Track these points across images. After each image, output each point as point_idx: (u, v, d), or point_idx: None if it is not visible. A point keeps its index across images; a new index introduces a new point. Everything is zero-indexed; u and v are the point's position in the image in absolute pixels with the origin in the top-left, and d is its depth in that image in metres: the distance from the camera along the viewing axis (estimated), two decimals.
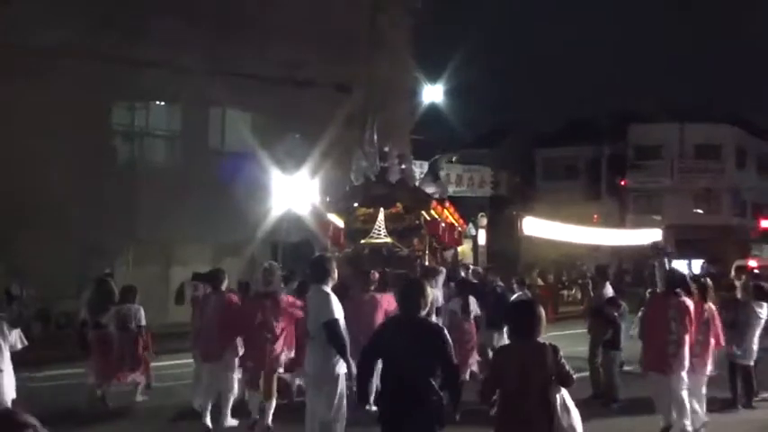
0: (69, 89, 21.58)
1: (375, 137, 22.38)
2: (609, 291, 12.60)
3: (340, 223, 16.57)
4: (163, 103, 25.89)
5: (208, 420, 9.84)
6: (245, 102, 25.17)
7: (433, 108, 28.28)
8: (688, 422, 9.39)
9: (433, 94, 28.09)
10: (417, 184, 17.09)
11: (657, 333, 9.56)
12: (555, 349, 5.47)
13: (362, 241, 15.75)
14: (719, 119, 45.72)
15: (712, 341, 10.18)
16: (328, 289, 7.20)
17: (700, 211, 46.16)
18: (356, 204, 16.26)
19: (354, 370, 6.67)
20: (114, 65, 22.24)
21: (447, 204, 17.09)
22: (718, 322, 10.48)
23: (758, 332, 11.63)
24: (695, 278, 11.31)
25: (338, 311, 7.10)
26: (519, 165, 44.08)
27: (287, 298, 9.82)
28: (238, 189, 23.44)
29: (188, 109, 25.50)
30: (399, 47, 29.59)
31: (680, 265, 40.31)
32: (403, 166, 16.70)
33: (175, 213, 22.35)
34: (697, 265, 41.54)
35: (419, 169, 19.95)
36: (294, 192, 23.46)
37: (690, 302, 9.56)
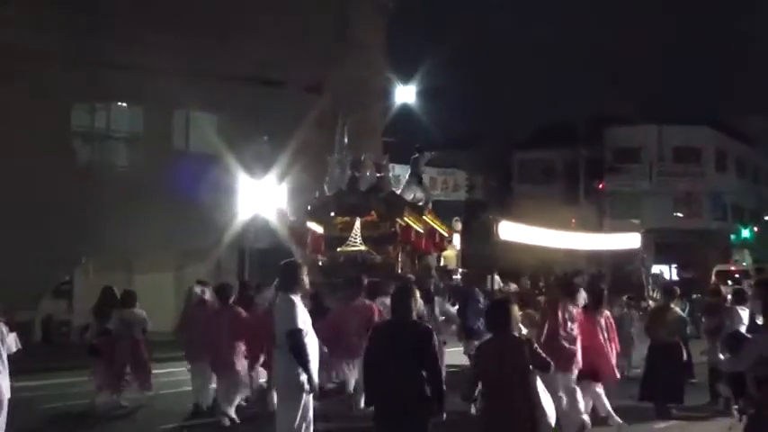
0: (26, 90, 21.34)
1: (345, 139, 22.43)
2: (581, 298, 12.65)
3: (319, 231, 16.92)
4: (125, 104, 25.68)
5: (232, 413, 10.67)
6: (210, 103, 25.03)
7: (405, 109, 28.29)
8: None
9: (405, 95, 28.10)
10: (400, 190, 17.39)
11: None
12: (530, 341, 6.43)
13: (338, 249, 16.18)
14: (699, 121, 46.12)
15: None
16: (295, 297, 7.10)
17: (679, 214, 46.48)
18: (332, 214, 16.71)
19: (317, 382, 6.97)
20: (74, 64, 22.02)
21: (428, 209, 17.34)
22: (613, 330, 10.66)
23: None
24: (589, 285, 11.55)
25: (303, 321, 7.03)
26: (494, 168, 44.24)
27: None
28: (204, 193, 23.25)
29: (151, 110, 25.30)
30: (371, 46, 29.60)
31: (659, 271, 40.82)
32: (379, 174, 17.00)
33: (138, 219, 22.15)
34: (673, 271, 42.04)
35: (396, 173, 19.92)
36: (262, 196, 23.36)
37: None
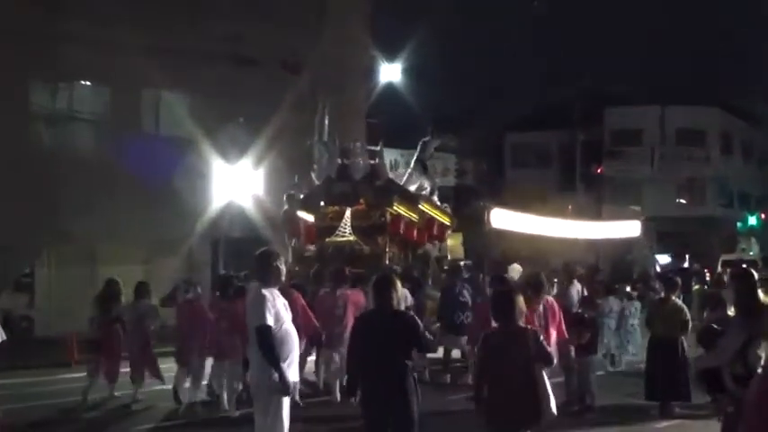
0: None
1: (326, 121, 22.48)
2: (575, 290, 12.76)
3: (310, 220, 17.54)
4: (89, 84, 25.51)
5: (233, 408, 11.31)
6: (181, 82, 24.87)
7: (390, 89, 28.24)
8: None
9: (390, 73, 28.05)
10: (405, 178, 17.87)
11: None
12: (535, 332, 7.04)
13: (327, 240, 16.72)
14: (704, 101, 46.08)
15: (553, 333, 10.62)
16: (267, 290, 7.02)
17: (682, 201, 46.66)
18: (322, 203, 17.36)
19: (290, 381, 6.97)
20: (34, 40, 21.83)
21: (425, 198, 17.82)
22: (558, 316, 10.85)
23: None
24: (529, 277, 11.65)
25: (272, 316, 6.94)
26: (486, 152, 44.27)
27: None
28: (174, 179, 23.21)
29: (117, 90, 25.12)
30: (353, 21, 29.47)
31: (663, 260, 41.02)
32: (374, 161, 17.52)
33: (103, 207, 22.04)
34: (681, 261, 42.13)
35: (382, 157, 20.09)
36: (237, 182, 23.35)
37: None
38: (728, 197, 48.52)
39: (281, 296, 7.22)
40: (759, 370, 6.61)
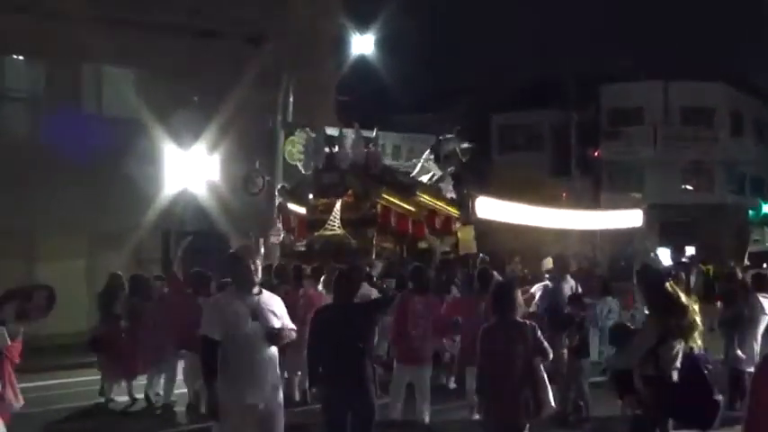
0: None
1: (291, 99, 22.50)
2: (568, 286, 12.76)
3: (301, 212, 18.59)
4: (21, 58, 25.27)
5: None
6: (128, 56, 24.65)
7: (362, 63, 28.09)
8: None
9: (362, 45, 27.88)
10: (417, 168, 19.01)
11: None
12: (533, 326, 7.87)
13: (316, 234, 17.64)
14: (711, 76, 46.19)
15: None
16: (219, 294, 7.47)
17: (688, 187, 46.90)
18: (311, 196, 18.40)
19: (214, 401, 6.97)
20: None
21: (425, 190, 18.58)
22: None
23: (761, 330, 11.74)
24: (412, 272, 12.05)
25: (211, 326, 6.95)
26: (471, 133, 44.15)
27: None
28: (121, 165, 23.03)
29: (55, 64, 24.85)
30: None
31: (665, 253, 41.20)
32: (369, 149, 18.31)
33: (40, 196, 21.90)
34: (687, 253, 42.32)
35: (354, 137, 20.28)
36: (191, 168, 23.30)
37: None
38: (739, 182, 48.79)
39: (261, 299, 7.14)
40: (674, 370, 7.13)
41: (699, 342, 7.50)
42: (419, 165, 19.51)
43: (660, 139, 46.60)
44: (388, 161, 25.91)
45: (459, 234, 19.97)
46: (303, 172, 18.34)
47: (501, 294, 8.09)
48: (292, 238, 18.90)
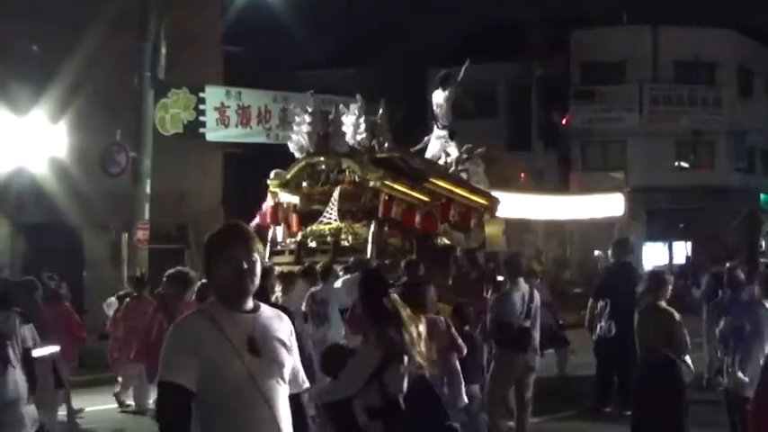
0: None
1: (163, 50, 22.39)
2: (518, 295, 12.93)
3: (294, 202, 19.47)
4: None
5: None
6: None
7: (256, 4, 28.00)
8: None
9: None
10: (426, 143, 20.78)
11: None
12: (447, 323, 10.02)
13: (309, 229, 18.69)
14: (712, 21, 46.40)
15: None
16: (189, 313, 7.20)
17: (683, 164, 47.23)
18: (305, 184, 19.30)
19: None
20: None
21: (440, 176, 19.41)
22: None
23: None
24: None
25: (178, 366, 5.34)
26: (402, 94, 44.19)
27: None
28: None
29: None
30: None
31: (657, 249, 41.66)
32: (378, 121, 19.08)
33: None
34: (680, 251, 42.87)
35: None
36: (29, 141, 23.03)
37: None
38: (748, 158, 48.84)
39: (261, 319, 6.24)
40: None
41: (423, 362, 7.99)
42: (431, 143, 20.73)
43: (647, 102, 46.92)
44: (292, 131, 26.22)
45: (486, 228, 20.75)
46: (297, 155, 19.36)
47: (413, 292, 9.36)
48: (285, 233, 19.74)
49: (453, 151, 21.06)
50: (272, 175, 20.02)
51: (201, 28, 27.26)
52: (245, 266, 5.41)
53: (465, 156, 21.34)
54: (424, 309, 9.23)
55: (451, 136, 21.60)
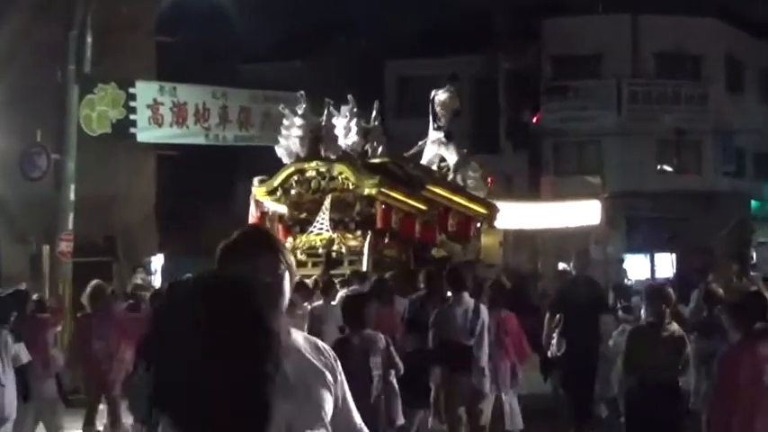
0: None
1: (89, 38, 22.35)
2: (461, 311, 13.10)
3: (282, 211, 20.32)
4: None
5: None
6: None
7: None
8: None
9: None
10: (420, 147, 21.51)
11: None
12: (387, 340, 11.22)
13: (297, 240, 19.40)
14: (698, 10, 46.18)
15: None
16: None
17: (666, 167, 47.44)
18: (293, 191, 19.97)
19: None
20: None
21: (436, 182, 20.14)
22: None
23: None
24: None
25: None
26: (355, 88, 44.22)
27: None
28: None
29: None
30: None
31: (638, 262, 41.82)
32: (372, 124, 20.13)
33: None
34: (664, 263, 43.04)
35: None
36: None
37: None
38: (737, 161, 48.92)
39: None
40: None
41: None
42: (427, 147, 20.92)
43: (626, 99, 47.01)
44: (233, 131, 26.12)
45: (483, 239, 21.74)
46: (286, 161, 20.10)
47: (352, 307, 11.17)
48: None
49: (451, 156, 21.22)
50: (256, 182, 20.37)
51: (133, 16, 27.17)
52: (269, 281, 4.68)
53: (461, 162, 21.64)
54: (362, 324, 10.81)
55: (448, 137, 22.34)
